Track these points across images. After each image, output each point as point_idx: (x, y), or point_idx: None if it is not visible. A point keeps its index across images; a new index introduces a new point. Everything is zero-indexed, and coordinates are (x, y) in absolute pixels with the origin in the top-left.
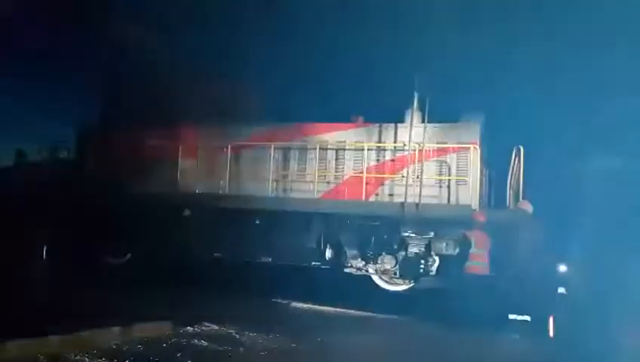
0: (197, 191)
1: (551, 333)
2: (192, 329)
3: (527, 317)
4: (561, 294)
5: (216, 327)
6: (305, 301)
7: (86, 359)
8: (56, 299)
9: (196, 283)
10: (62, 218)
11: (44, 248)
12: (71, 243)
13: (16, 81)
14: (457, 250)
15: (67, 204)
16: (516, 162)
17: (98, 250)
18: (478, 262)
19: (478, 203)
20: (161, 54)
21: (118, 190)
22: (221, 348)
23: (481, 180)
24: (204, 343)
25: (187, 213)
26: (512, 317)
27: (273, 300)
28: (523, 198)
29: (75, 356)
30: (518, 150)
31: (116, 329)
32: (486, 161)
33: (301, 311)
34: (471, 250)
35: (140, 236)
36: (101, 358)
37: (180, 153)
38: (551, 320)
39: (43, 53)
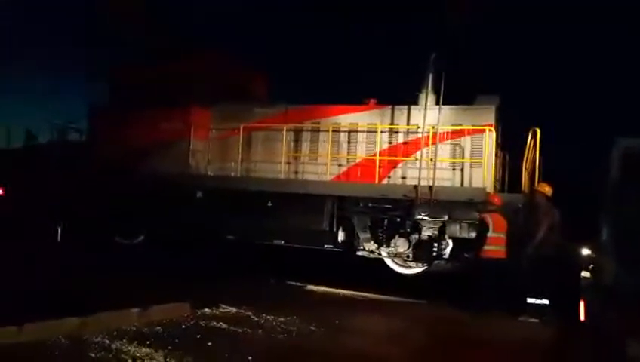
0: (209, 173)
1: (582, 317)
2: (209, 311)
3: (546, 301)
4: (585, 278)
5: (234, 310)
6: (319, 284)
7: (106, 341)
8: (74, 280)
9: (211, 266)
10: (75, 200)
11: (59, 229)
12: (85, 225)
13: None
14: (473, 233)
15: (80, 186)
16: (532, 144)
17: (111, 232)
18: (496, 245)
19: (492, 185)
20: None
21: (130, 171)
22: (240, 330)
23: (495, 163)
24: (223, 325)
25: (199, 195)
26: (530, 300)
27: (288, 283)
28: (540, 181)
29: (96, 337)
30: (534, 132)
31: (135, 310)
32: (501, 144)
33: (316, 294)
34: (488, 234)
35: (153, 217)
36: (122, 339)
37: (191, 134)
38: (582, 304)
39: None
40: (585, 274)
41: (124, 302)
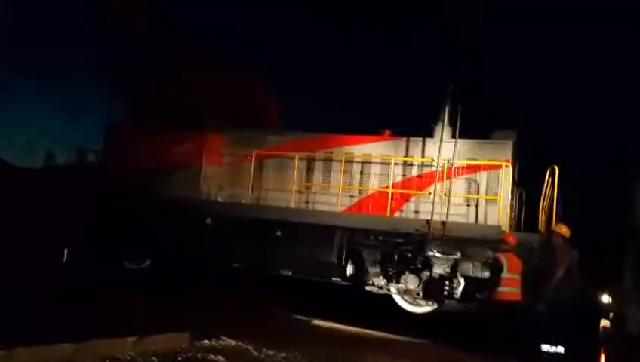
0: (219, 199)
1: None
2: (208, 342)
3: (561, 349)
4: (605, 328)
5: (233, 342)
6: (325, 318)
7: None
8: (73, 303)
9: (214, 294)
10: (83, 222)
11: (65, 252)
12: (92, 248)
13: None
14: (486, 273)
15: (89, 208)
16: (550, 183)
17: (118, 255)
18: (511, 287)
19: (508, 224)
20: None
21: (140, 195)
22: None
23: (512, 200)
24: (221, 359)
25: (209, 221)
26: (545, 347)
27: (293, 316)
28: (557, 221)
29: None
30: (553, 170)
31: (131, 339)
32: (518, 181)
33: (321, 329)
34: (503, 274)
35: (160, 242)
36: None
37: (203, 159)
38: (602, 356)
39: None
40: (604, 323)
41: (121, 329)
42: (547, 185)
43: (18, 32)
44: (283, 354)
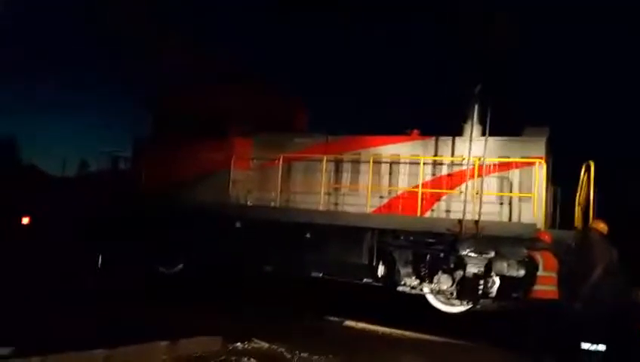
0: (249, 203)
1: None
2: (241, 345)
3: (602, 347)
4: None
5: (266, 345)
6: (357, 319)
7: None
8: (105, 309)
9: (246, 297)
10: (116, 228)
11: (99, 258)
12: (125, 254)
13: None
14: (522, 272)
15: (121, 215)
16: (585, 178)
17: (151, 260)
18: (547, 285)
19: (543, 221)
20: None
21: (171, 200)
22: None
23: (546, 197)
24: (253, 361)
25: (238, 225)
26: (585, 346)
27: (325, 317)
28: (595, 217)
29: None
30: (588, 166)
31: (164, 343)
32: (552, 178)
33: (354, 330)
34: (538, 273)
35: (192, 247)
36: None
37: (232, 164)
38: None
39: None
40: None
41: (154, 334)
42: (583, 181)
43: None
44: (316, 357)
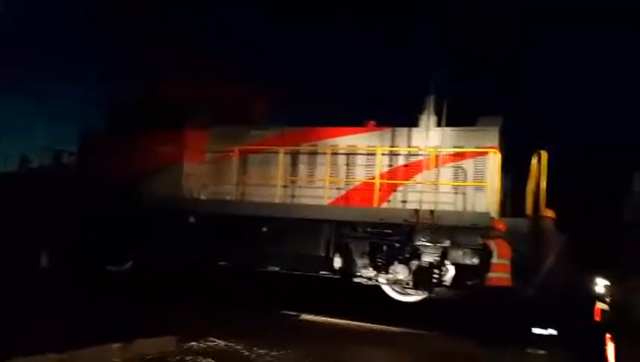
0: (203, 197)
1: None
2: (197, 345)
3: (553, 332)
4: (604, 311)
5: (222, 343)
6: (315, 313)
7: None
8: (53, 311)
9: (200, 294)
10: (62, 224)
11: (44, 255)
12: (71, 250)
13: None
14: (476, 260)
15: (68, 210)
16: (537, 168)
17: (99, 257)
18: (501, 273)
19: (497, 210)
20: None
21: (121, 195)
22: None
23: (500, 186)
24: (210, 361)
25: (192, 219)
26: (537, 331)
27: (282, 312)
28: (545, 206)
29: None
30: (539, 155)
31: (116, 346)
32: (505, 167)
33: (311, 324)
34: (493, 260)
35: (143, 243)
36: None
37: (185, 157)
38: (610, 346)
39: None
40: (602, 306)
41: (106, 335)
42: (534, 170)
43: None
44: (275, 353)
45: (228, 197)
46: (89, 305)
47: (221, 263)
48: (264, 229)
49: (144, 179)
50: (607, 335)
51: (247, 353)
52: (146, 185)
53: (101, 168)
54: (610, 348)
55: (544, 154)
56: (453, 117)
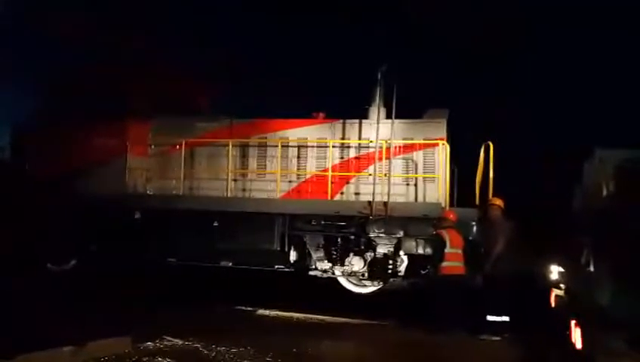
0: (148, 191)
1: (578, 345)
2: (153, 345)
3: (506, 318)
4: (559, 296)
5: (180, 342)
6: (270, 307)
7: None
8: None
9: (151, 293)
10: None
11: None
12: (8, 249)
13: None
14: (429, 250)
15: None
16: (484, 158)
17: (39, 256)
18: (454, 261)
19: (447, 200)
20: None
21: (61, 191)
22: None
23: (450, 177)
24: (169, 360)
25: (138, 215)
26: (490, 318)
27: (237, 308)
28: (493, 195)
29: None
30: (487, 146)
31: (67, 349)
32: (454, 158)
33: (268, 319)
34: (445, 249)
35: (85, 241)
36: None
37: (128, 150)
38: (576, 330)
39: None
40: (558, 292)
41: (54, 339)
42: (482, 161)
43: None
44: (234, 350)
45: (175, 192)
46: (32, 307)
47: (170, 260)
48: (215, 224)
49: (85, 173)
50: (573, 321)
51: (206, 351)
52: (88, 181)
53: (38, 164)
54: (577, 333)
55: (491, 146)
56: (401, 109)
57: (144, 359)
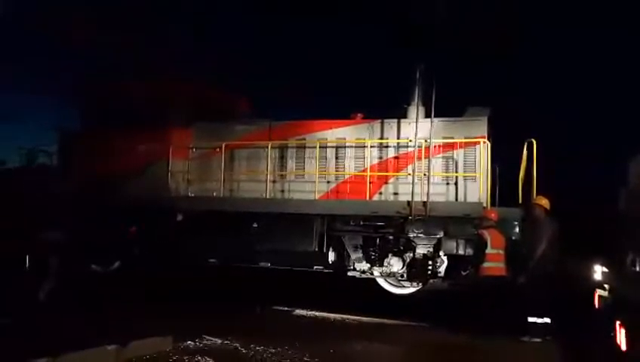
0: (190, 194)
1: (624, 347)
2: (193, 344)
3: (548, 320)
4: (604, 297)
5: (219, 341)
6: (308, 308)
7: None
8: (43, 315)
9: (192, 293)
10: (44, 224)
11: (27, 258)
12: (57, 253)
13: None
14: (470, 250)
15: (51, 210)
16: (527, 156)
17: (84, 259)
18: (495, 262)
19: (489, 199)
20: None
21: (106, 193)
22: None
23: (491, 176)
24: (209, 360)
25: (180, 217)
26: (531, 319)
27: (275, 308)
28: (537, 194)
29: None
30: (530, 144)
31: (112, 347)
32: (496, 156)
33: (306, 319)
34: (487, 250)
35: (129, 243)
36: None
37: (171, 154)
38: (621, 330)
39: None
40: (601, 292)
41: (100, 338)
42: (525, 159)
43: None
44: (272, 349)
45: (215, 194)
46: (79, 307)
47: (211, 261)
48: (255, 225)
49: (129, 177)
50: (617, 322)
51: (244, 350)
52: (132, 185)
53: (84, 167)
54: (622, 334)
55: (534, 143)
56: (441, 108)
57: (185, 358)
